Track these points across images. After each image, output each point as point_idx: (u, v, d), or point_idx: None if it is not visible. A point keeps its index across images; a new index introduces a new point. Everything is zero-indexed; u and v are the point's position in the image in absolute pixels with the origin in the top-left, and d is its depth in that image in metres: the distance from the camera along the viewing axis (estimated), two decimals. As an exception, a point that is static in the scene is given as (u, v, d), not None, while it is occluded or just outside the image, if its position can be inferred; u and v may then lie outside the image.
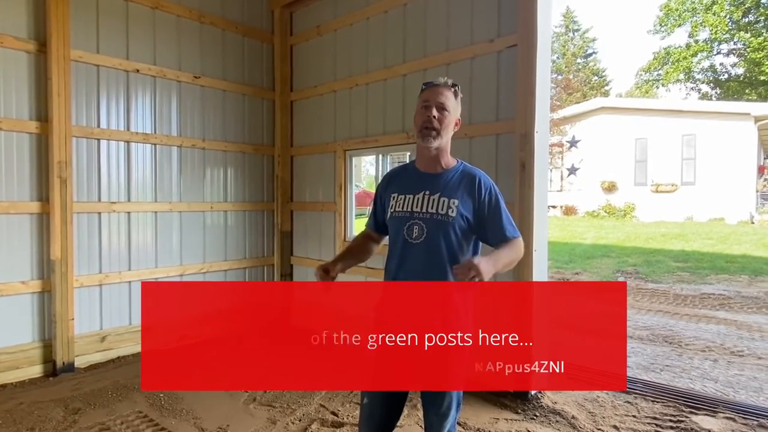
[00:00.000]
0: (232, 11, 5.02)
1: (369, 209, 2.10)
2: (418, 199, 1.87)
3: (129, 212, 4.33)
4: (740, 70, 29.06)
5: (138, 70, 4.33)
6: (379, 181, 2.04)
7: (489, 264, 1.66)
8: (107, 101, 4.19)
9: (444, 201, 1.85)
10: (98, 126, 4.13)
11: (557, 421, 3.10)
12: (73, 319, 3.89)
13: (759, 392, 3.66)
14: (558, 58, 36.59)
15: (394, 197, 1.92)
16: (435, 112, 1.84)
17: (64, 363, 3.84)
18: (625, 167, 19.11)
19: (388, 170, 2.16)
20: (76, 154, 3.99)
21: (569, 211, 20.20)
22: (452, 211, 1.83)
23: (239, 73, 5.11)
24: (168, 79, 4.54)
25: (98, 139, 4.13)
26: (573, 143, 20.17)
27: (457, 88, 1.91)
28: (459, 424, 3.05)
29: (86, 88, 4.06)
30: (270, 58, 5.37)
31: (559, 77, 31.70)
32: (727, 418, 3.12)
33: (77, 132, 3.97)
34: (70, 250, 3.87)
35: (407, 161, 2.12)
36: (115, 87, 4.22)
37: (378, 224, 2.05)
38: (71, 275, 3.89)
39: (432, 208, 1.85)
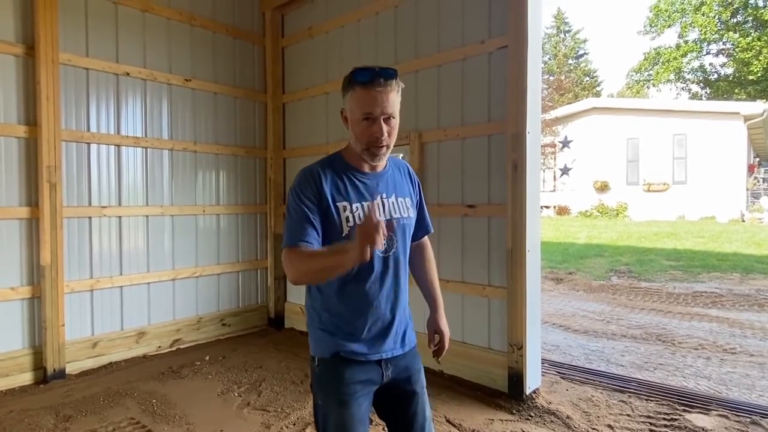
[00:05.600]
0: (223, 13, 5.00)
1: (291, 221, 1.50)
2: (378, 206, 1.54)
3: (120, 216, 4.29)
4: (729, 70, 29.42)
5: (128, 73, 4.30)
6: (303, 187, 1.50)
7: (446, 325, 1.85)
8: (97, 105, 4.15)
9: (401, 201, 1.62)
10: (88, 130, 4.09)
11: (552, 421, 3.10)
12: (63, 325, 3.85)
13: (751, 389, 3.69)
14: (549, 58, 36.85)
15: (344, 207, 1.50)
16: (384, 128, 1.46)
17: (54, 370, 3.80)
18: (617, 167, 19.26)
19: (311, 169, 1.54)
20: (66, 158, 3.95)
21: (562, 211, 20.31)
22: (411, 211, 1.66)
23: (230, 76, 5.09)
24: (158, 82, 4.51)
25: (88, 143, 4.09)
26: (565, 143, 20.25)
27: (398, 78, 1.49)
28: (453, 425, 3.05)
29: (75, 91, 4.02)
30: (261, 61, 5.35)
31: (551, 78, 31.87)
32: (720, 415, 3.14)
33: (67, 136, 3.94)
34: (60, 255, 3.83)
35: (335, 154, 1.62)
36: (104, 90, 4.19)
37: (319, 240, 1.49)
38: (61, 281, 3.84)
39: (396, 212, 1.60)
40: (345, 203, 1.51)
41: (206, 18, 4.85)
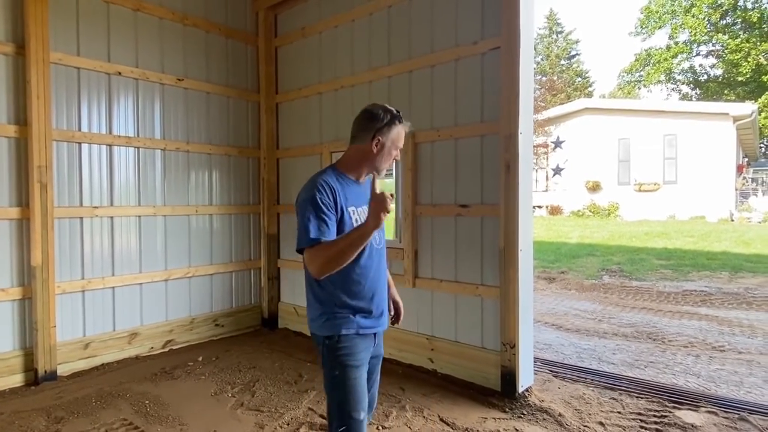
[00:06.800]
0: (216, 13, 4.99)
1: (314, 223, 1.76)
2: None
3: (112, 217, 4.27)
4: (719, 71, 29.78)
5: (120, 73, 4.27)
6: (321, 191, 1.82)
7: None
8: (88, 104, 4.12)
9: None
10: (79, 129, 4.06)
11: (544, 419, 3.12)
12: (54, 326, 3.82)
13: (739, 386, 3.74)
14: (542, 59, 37.06)
15: (353, 210, 1.89)
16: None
17: (46, 371, 3.77)
18: (608, 167, 19.41)
19: (322, 180, 1.87)
20: (57, 158, 3.93)
21: (555, 210, 20.43)
22: None
23: (223, 76, 5.07)
24: (151, 81, 4.49)
25: (79, 143, 4.07)
26: (557, 144, 20.37)
27: None
28: (447, 423, 3.07)
29: (66, 90, 3.99)
30: (254, 60, 5.34)
31: (544, 78, 32.05)
32: (709, 412, 3.18)
33: (58, 136, 3.91)
34: (51, 256, 3.80)
35: (329, 169, 1.99)
36: (96, 90, 4.16)
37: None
38: (52, 282, 3.81)
39: None
40: (353, 207, 1.90)
41: (199, 17, 4.83)
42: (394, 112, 1.96)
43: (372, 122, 1.94)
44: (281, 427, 3.04)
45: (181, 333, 4.71)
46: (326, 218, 1.77)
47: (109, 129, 4.24)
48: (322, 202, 1.78)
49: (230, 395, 3.55)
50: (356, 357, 1.89)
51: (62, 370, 3.90)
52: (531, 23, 3.50)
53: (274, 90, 5.36)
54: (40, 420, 3.12)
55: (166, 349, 4.59)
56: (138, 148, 4.43)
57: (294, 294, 5.27)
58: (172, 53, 4.65)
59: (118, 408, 3.32)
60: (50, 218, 3.80)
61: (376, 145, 1.93)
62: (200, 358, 4.33)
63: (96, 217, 4.17)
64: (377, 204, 1.65)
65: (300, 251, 1.79)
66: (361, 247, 1.73)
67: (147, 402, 3.41)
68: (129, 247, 4.39)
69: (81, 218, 4.09)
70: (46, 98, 3.77)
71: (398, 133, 1.96)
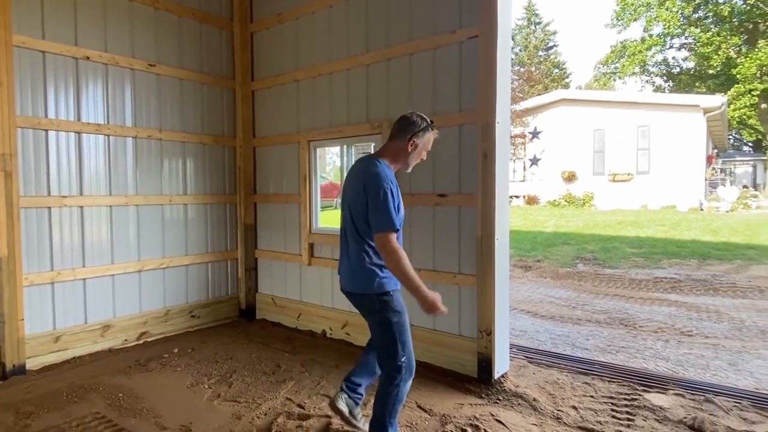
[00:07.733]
0: (189, -3, 4.84)
1: (394, 211, 2.29)
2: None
3: (82, 206, 4.14)
4: (690, 64, 30.49)
5: (88, 57, 4.12)
6: (391, 183, 2.30)
7: None
8: (55, 90, 3.97)
9: None
10: (46, 116, 3.91)
11: (519, 404, 3.19)
12: (22, 319, 3.70)
13: (706, 369, 3.88)
14: (520, 50, 37.29)
15: (401, 198, 2.37)
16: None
17: (14, 365, 3.66)
18: (584, 157, 19.74)
19: (391, 174, 2.37)
20: (22, 145, 3.78)
21: (531, 200, 20.72)
22: None
23: (197, 62, 4.94)
24: (121, 66, 4.35)
25: (46, 130, 3.92)
26: (535, 134, 20.64)
27: None
28: (424, 410, 3.10)
29: (31, 75, 3.83)
30: (229, 46, 5.22)
31: (522, 69, 32.27)
32: (677, 394, 3.30)
33: (22, 122, 3.76)
34: (18, 247, 3.67)
35: (384, 163, 2.42)
36: (63, 75, 4.00)
37: None
38: (19, 273, 3.69)
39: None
40: (400, 194, 2.36)
41: (171, 1, 4.68)
42: (429, 120, 2.43)
43: (410, 126, 2.39)
44: (258, 417, 3.03)
45: (155, 325, 4.63)
46: (394, 210, 2.25)
47: (77, 116, 4.10)
48: (393, 191, 2.27)
49: (207, 387, 3.51)
50: (403, 305, 2.42)
51: (31, 364, 3.79)
52: (509, 13, 3.50)
53: (249, 77, 5.26)
54: (8, 415, 3.04)
55: (141, 342, 4.51)
56: (108, 135, 4.30)
57: (272, 284, 5.22)
58: (143, 38, 4.51)
59: (91, 402, 3.25)
60: (16, 208, 3.66)
61: (411, 145, 2.39)
62: (176, 350, 4.27)
63: (65, 207, 4.04)
64: (432, 308, 2.26)
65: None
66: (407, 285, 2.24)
67: (121, 395, 3.35)
68: (100, 238, 4.28)
69: (49, 208, 3.95)
70: (9, 83, 3.61)
71: (429, 138, 2.45)
